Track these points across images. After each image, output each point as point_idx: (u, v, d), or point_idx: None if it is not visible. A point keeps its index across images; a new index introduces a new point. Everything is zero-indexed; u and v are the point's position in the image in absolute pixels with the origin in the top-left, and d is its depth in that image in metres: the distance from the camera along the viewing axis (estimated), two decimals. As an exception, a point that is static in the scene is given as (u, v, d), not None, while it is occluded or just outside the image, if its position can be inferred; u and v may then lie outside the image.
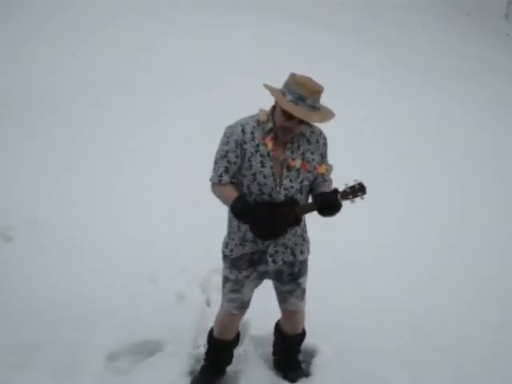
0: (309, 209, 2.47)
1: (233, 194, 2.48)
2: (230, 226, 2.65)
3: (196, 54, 7.51)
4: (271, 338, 3.10)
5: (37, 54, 7.01)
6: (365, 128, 6.00)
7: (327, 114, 2.42)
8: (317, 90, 2.35)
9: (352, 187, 2.43)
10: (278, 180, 2.48)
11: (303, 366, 3.09)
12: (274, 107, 2.50)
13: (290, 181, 2.49)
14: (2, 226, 4.04)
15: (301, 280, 2.74)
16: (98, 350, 3.06)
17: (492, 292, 3.90)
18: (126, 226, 4.10)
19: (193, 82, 6.59)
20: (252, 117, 2.53)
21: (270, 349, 3.10)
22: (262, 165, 2.47)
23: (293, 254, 2.65)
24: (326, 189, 2.52)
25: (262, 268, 2.66)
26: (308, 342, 3.04)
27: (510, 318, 3.68)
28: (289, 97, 2.34)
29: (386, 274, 3.95)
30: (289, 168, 2.48)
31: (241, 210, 2.42)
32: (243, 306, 2.75)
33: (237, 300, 2.71)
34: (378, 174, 5.20)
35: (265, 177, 2.47)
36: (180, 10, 8.85)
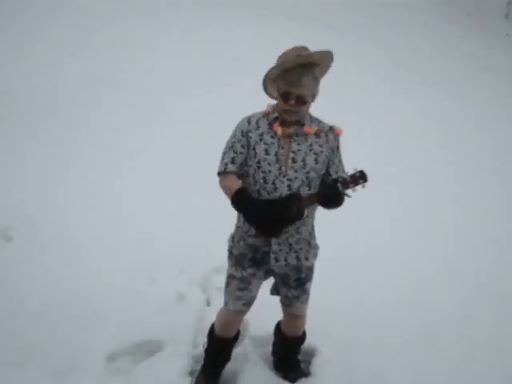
0: (310, 201, 2.42)
1: (235, 185, 2.46)
2: (238, 220, 2.64)
3: (196, 54, 7.50)
4: (271, 338, 3.10)
5: (37, 54, 7.01)
6: (365, 128, 5.99)
7: (322, 66, 2.48)
8: (299, 55, 2.41)
9: (352, 175, 2.36)
10: (283, 169, 2.48)
11: (303, 365, 3.09)
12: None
13: (295, 171, 2.48)
14: (2, 226, 4.04)
15: (307, 285, 2.73)
16: (98, 350, 3.06)
17: (492, 292, 3.90)
18: (125, 226, 4.10)
19: (193, 82, 6.58)
20: (261, 112, 2.59)
21: (270, 349, 3.10)
22: (267, 152, 2.48)
23: (297, 258, 2.62)
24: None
25: (265, 267, 2.65)
26: (308, 341, 3.04)
27: (510, 318, 3.68)
28: (276, 74, 2.44)
29: (386, 273, 3.95)
30: (294, 159, 2.48)
31: (241, 201, 2.40)
32: (251, 302, 2.74)
33: (244, 297, 2.69)
34: (378, 173, 5.18)
35: (269, 164, 2.48)
36: (180, 10, 8.85)
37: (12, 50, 7.03)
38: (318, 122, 2.57)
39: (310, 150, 2.51)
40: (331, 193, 2.38)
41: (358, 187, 2.36)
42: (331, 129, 2.57)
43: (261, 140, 2.50)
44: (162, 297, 3.47)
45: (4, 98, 5.94)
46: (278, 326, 2.99)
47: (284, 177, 2.48)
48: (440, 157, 5.78)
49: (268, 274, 2.71)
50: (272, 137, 2.49)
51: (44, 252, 3.83)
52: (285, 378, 3.01)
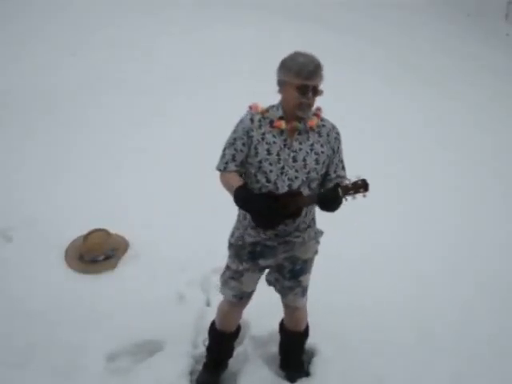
0: (310, 201, 2.45)
1: (236, 182, 2.48)
2: (238, 214, 2.66)
3: (196, 54, 7.51)
4: (271, 337, 3.10)
5: (37, 54, 7.01)
6: (365, 128, 6.00)
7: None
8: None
9: (354, 183, 2.36)
10: (286, 168, 2.48)
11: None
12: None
13: (296, 171, 2.48)
14: (2, 226, 4.04)
15: (302, 278, 2.72)
16: (98, 350, 3.07)
17: (492, 292, 3.90)
18: (125, 226, 4.09)
19: (193, 82, 6.59)
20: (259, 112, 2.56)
21: (270, 349, 3.11)
22: (269, 152, 2.47)
23: (293, 250, 2.64)
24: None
25: (262, 262, 2.66)
26: (308, 341, 3.04)
27: (510, 318, 3.68)
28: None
29: (386, 273, 3.95)
30: (295, 158, 2.47)
31: (242, 199, 2.42)
32: (242, 295, 2.76)
33: (235, 288, 2.73)
34: (377, 173, 5.19)
35: (271, 164, 2.47)
36: (180, 10, 8.85)
37: (12, 50, 7.04)
38: (320, 120, 2.56)
39: (311, 149, 2.50)
40: (331, 197, 2.37)
41: (359, 195, 2.36)
42: (334, 128, 2.57)
43: (263, 139, 2.49)
44: (162, 297, 3.48)
45: (4, 98, 5.94)
46: (282, 322, 2.99)
47: (285, 176, 2.48)
48: (440, 157, 5.78)
49: (264, 268, 2.72)
50: (274, 136, 2.48)
51: (44, 252, 3.82)
52: (285, 377, 3.02)
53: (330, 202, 2.39)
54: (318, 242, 2.71)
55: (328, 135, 2.54)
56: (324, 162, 2.53)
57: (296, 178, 2.48)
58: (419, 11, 11.01)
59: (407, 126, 6.34)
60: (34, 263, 3.73)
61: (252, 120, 2.51)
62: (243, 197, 2.42)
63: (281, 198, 2.42)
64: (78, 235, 3.95)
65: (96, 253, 3.78)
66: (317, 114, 2.54)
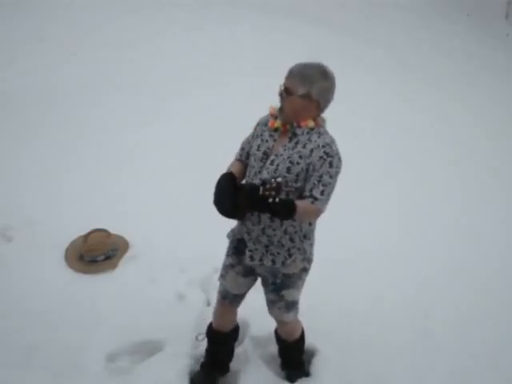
0: (243, 198, 2.33)
1: (228, 168, 2.57)
2: None
3: (196, 53, 7.51)
4: (271, 338, 3.10)
5: (37, 54, 7.01)
6: (365, 128, 6.00)
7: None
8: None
9: (270, 183, 2.21)
10: (262, 169, 2.48)
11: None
12: None
13: (267, 173, 2.46)
14: (2, 226, 4.04)
15: (284, 292, 2.64)
16: (98, 350, 3.07)
17: (492, 292, 3.90)
18: (125, 226, 4.10)
19: (193, 82, 6.59)
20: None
21: (270, 349, 3.10)
22: (258, 148, 2.53)
23: (273, 261, 2.56)
24: (302, 203, 2.36)
25: (244, 263, 2.64)
26: (308, 341, 3.04)
27: (510, 318, 3.68)
28: None
29: (386, 273, 3.95)
30: (272, 162, 2.45)
31: (217, 182, 2.43)
32: (226, 295, 2.77)
33: (221, 285, 2.78)
34: (377, 174, 5.20)
35: (255, 160, 2.52)
36: (180, 10, 8.85)
37: (12, 50, 7.03)
38: (320, 134, 2.44)
39: (289, 157, 2.43)
40: (247, 193, 2.28)
41: (275, 198, 2.18)
42: (323, 146, 2.40)
43: (261, 135, 2.54)
44: (162, 297, 3.48)
45: (3, 98, 5.94)
46: (276, 330, 2.99)
47: (259, 176, 2.48)
48: (440, 157, 5.78)
49: (249, 273, 2.70)
50: (270, 135, 2.51)
51: (44, 252, 3.82)
52: (285, 378, 3.02)
53: (246, 199, 2.28)
54: (304, 260, 2.59)
55: (311, 151, 2.40)
56: (298, 175, 2.41)
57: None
58: (419, 11, 11.01)
59: (407, 126, 6.34)
60: (34, 263, 3.72)
61: (266, 116, 2.58)
62: (218, 180, 2.42)
63: (239, 187, 2.38)
64: (78, 235, 3.95)
65: (96, 253, 3.78)
66: (316, 121, 2.46)
